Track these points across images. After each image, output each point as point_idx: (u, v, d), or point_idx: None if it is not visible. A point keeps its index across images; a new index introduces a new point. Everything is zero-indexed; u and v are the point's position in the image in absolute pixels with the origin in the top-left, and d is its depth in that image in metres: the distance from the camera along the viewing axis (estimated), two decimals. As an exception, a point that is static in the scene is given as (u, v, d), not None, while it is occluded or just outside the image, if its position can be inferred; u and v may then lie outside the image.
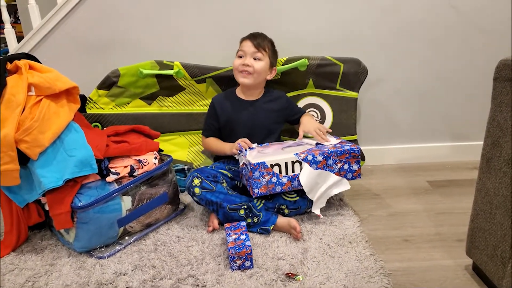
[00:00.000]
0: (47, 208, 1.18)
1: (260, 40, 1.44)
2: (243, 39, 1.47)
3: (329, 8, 1.66)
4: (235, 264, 1.10)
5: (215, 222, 1.30)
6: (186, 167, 1.60)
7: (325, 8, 1.66)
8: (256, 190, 1.27)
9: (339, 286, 1.03)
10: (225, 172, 1.39)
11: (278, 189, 1.29)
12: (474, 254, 1.05)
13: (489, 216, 0.97)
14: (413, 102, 1.81)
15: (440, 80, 1.77)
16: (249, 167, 1.26)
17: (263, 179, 1.26)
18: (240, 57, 1.44)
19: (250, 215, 1.27)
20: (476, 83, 1.77)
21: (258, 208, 1.29)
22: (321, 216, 1.31)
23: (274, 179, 1.27)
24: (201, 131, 1.69)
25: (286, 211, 1.33)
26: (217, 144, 1.49)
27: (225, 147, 1.44)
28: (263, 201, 1.31)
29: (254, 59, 1.42)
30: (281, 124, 1.54)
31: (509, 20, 1.68)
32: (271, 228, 1.27)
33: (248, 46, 1.43)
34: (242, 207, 1.28)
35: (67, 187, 1.15)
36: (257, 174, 1.25)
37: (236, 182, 1.41)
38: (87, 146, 1.19)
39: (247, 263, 1.10)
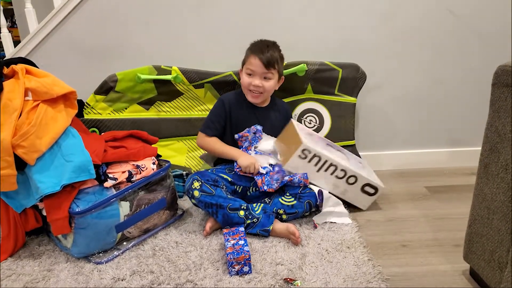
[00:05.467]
0: (44, 213, 1.17)
1: (269, 58, 1.36)
2: (251, 53, 1.38)
3: (328, 13, 1.67)
4: (233, 269, 1.10)
5: (207, 226, 1.29)
6: (184, 172, 1.60)
7: (324, 14, 1.67)
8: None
9: (338, 292, 1.03)
10: (225, 176, 1.38)
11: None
12: (471, 259, 1.05)
13: (486, 221, 0.97)
14: (411, 107, 1.82)
15: (438, 86, 1.79)
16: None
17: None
18: (249, 74, 1.39)
19: (250, 216, 1.28)
20: (474, 88, 1.78)
21: (257, 212, 1.29)
22: (317, 226, 1.33)
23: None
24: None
25: (284, 216, 1.33)
26: (222, 148, 1.43)
27: (234, 153, 1.40)
28: (261, 205, 1.31)
29: (264, 78, 1.39)
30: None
31: (507, 25, 1.69)
32: (271, 229, 1.27)
33: (258, 66, 1.36)
34: (242, 208, 1.28)
35: (64, 193, 1.14)
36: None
37: (235, 186, 1.40)
38: (84, 151, 1.19)
39: (246, 268, 1.10)
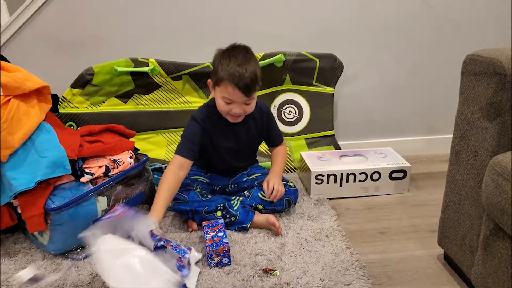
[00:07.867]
0: (19, 210, 1.15)
1: (250, 84, 1.15)
2: (227, 81, 1.14)
3: (305, 3, 1.67)
4: (212, 261, 1.10)
5: (193, 225, 1.29)
6: (163, 165, 1.58)
7: (301, 4, 1.67)
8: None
9: (315, 280, 1.04)
10: (200, 178, 1.36)
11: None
12: (445, 244, 1.08)
13: (458, 207, 1.00)
14: (389, 96, 1.84)
15: (415, 75, 1.81)
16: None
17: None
18: (227, 103, 1.19)
19: (228, 215, 1.27)
20: (449, 77, 1.80)
21: (234, 208, 1.28)
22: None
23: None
24: (178, 128, 1.68)
25: (262, 211, 1.32)
26: (158, 192, 1.17)
27: (154, 206, 1.14)
28: (240, 199, 1.31)
29: (245, 104, 1.20)
30: (261, 141, 1.42)
31: (481, 15, 1.72)
32: (249, 226, 1.27)
33: (238, 97, 1.17)
34: (218, 209, 1.27)
35: (39, 189, 1.12)
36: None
37: (213, 186, 1.38)
38: (59, 146, 1.17)
39: (225, 260, 1.11)
